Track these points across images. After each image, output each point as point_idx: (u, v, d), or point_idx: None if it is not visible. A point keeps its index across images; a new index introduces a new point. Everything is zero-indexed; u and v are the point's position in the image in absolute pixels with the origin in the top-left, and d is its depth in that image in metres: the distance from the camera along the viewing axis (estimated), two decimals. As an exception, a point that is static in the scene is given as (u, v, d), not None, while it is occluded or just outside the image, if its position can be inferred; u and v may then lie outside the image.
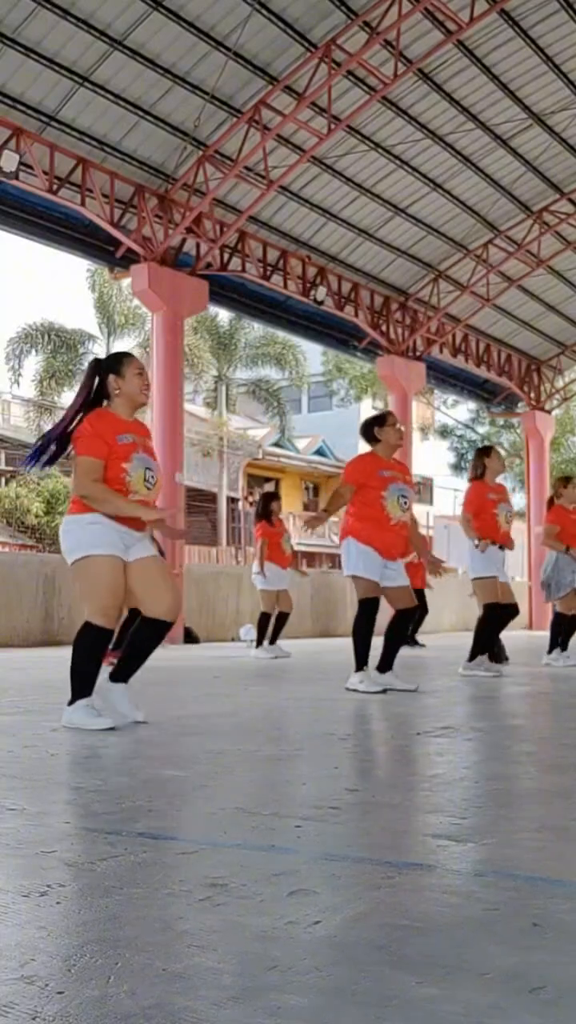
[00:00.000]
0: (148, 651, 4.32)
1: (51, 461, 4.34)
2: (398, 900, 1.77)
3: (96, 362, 4.40)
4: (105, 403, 4.29)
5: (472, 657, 7.22)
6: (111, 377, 4.26)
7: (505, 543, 7.25)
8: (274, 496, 10.48)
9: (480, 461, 7.37)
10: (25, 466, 4.60)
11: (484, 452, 7.49)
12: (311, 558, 28.49)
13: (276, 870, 1.93)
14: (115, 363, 4.32)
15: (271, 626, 10.08)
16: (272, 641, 10.08)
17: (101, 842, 2.17)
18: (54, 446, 4.30)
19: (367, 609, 5.75)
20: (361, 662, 5.76)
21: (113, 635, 4.30)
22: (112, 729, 3.98)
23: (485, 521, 7.19)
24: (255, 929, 1.58)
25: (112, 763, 3.34)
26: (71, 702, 4.13)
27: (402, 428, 6.16)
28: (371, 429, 5.96)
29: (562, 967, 1.43)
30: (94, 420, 4.18)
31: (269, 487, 30.93)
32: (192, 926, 1.60)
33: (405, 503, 5.77)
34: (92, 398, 4.27)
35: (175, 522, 4.37)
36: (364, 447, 6.12)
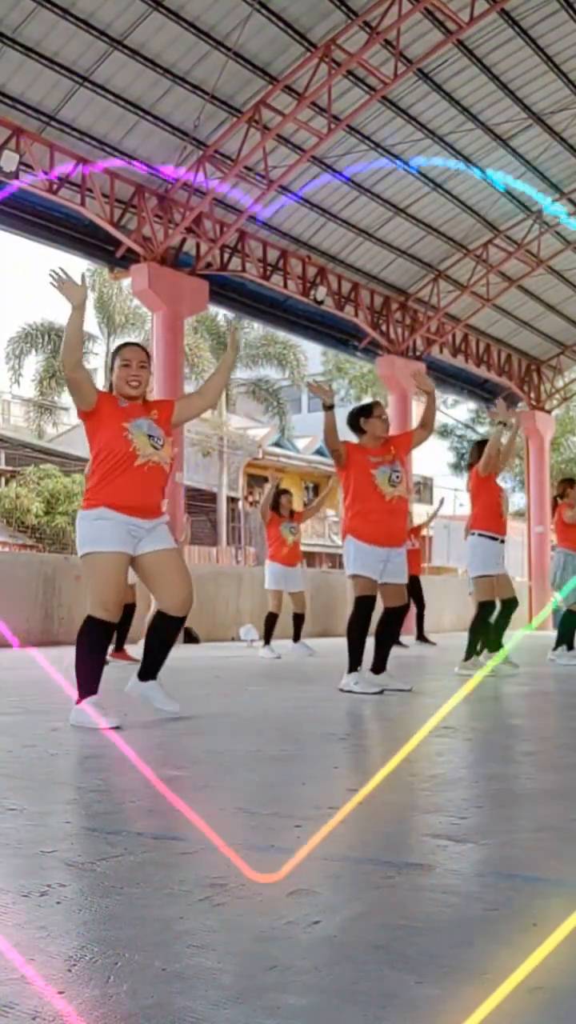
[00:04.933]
0: (166, 645, 4.44)
1: None
2: (398, 900, 1.77)
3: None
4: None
5: (468, 656, 7.23)
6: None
7: (504, 532, 7.35)
8: (284, 491, 10.34)
9: (480, 452, 7.44)
10: None
11: (483, 445, 7.55)
12: (311, 558, 28.47)
13: (276, 870, 1.93)
14: (113, 354, 4.43)
15: (283, 626, 10.16)
16: (295, 639, 10.15)
17: (101, 842, 2.17)
18: None
19: (362, 608, 5.72)
20: (355, 662, 5.73)
21: (113, 630, 4.32)
22: (118, 728, 3.98)
23: (490, 510, 7.25)
24: (255, 929, 1.58)
25: (112, 763, 3.34)
26: (78, 700, 4.11)
27: (388, 419, 6.15)
28: (357, 420, 5.96)
29: (562, 967, 1.43)
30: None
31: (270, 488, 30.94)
32: (192, 926, 1.60)
33: (397, 477, 5.75)
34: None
35: None
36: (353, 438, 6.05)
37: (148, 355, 4.49)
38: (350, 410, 6.14)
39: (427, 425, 6.13)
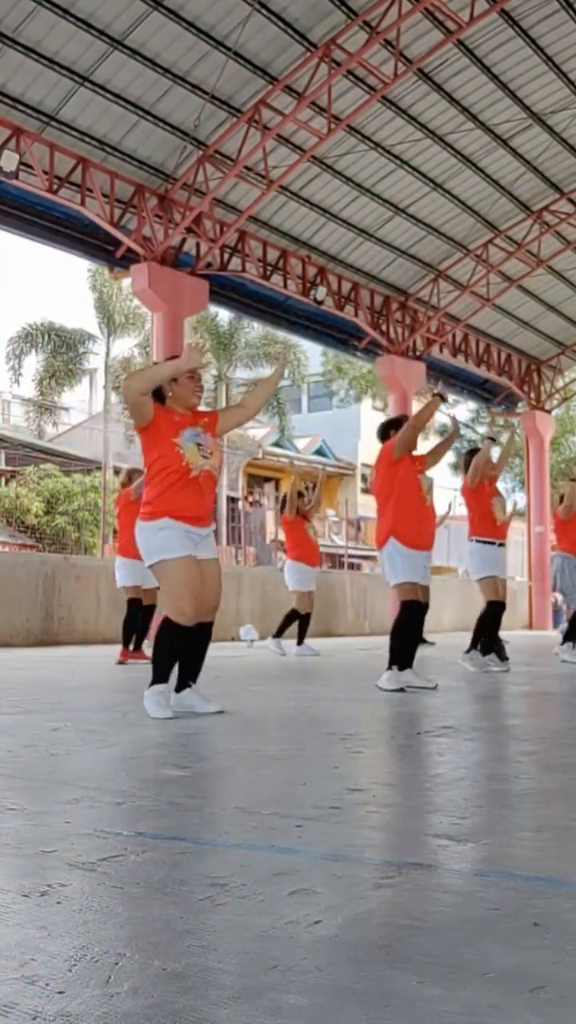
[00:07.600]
0: (203, 650, 4.71)
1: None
2: (398, 900, 1.77)
3: None
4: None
5: (470, 648, 7.50)
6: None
7: (502, 536, 7.52)
8: (300, 493, 10.65)
9: (469, 462, 7.72)
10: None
11: (473, 454, 7.85)
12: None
13: (276, 870, 1.93)
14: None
15: (296, 626, 10.18)
16: (299, 642, 10.17)
17: (101, 842, 2.17)
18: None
19: (417, 613, 5.87)
20: (400, 662, 5.83)
21: (190, 633, 4.53)
22: (170, 719, 4.35)
23: (485, 517, 7.44)
24: (255, 929, 1.58)
25: (112, 763, 3.34)
26: (150, 684, 4.51)
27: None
28: (388, 431, 6.16)
29: (562, 967, 1.43)
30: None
31: (270, 488, 30.97)
32: (192, 926, 1.60)
33: (430, 486, 6.07)
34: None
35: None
36: (368, 446, 6.21)
37: None
38: (381, 422, 6.39)
39: (435, 458, 6.33)
